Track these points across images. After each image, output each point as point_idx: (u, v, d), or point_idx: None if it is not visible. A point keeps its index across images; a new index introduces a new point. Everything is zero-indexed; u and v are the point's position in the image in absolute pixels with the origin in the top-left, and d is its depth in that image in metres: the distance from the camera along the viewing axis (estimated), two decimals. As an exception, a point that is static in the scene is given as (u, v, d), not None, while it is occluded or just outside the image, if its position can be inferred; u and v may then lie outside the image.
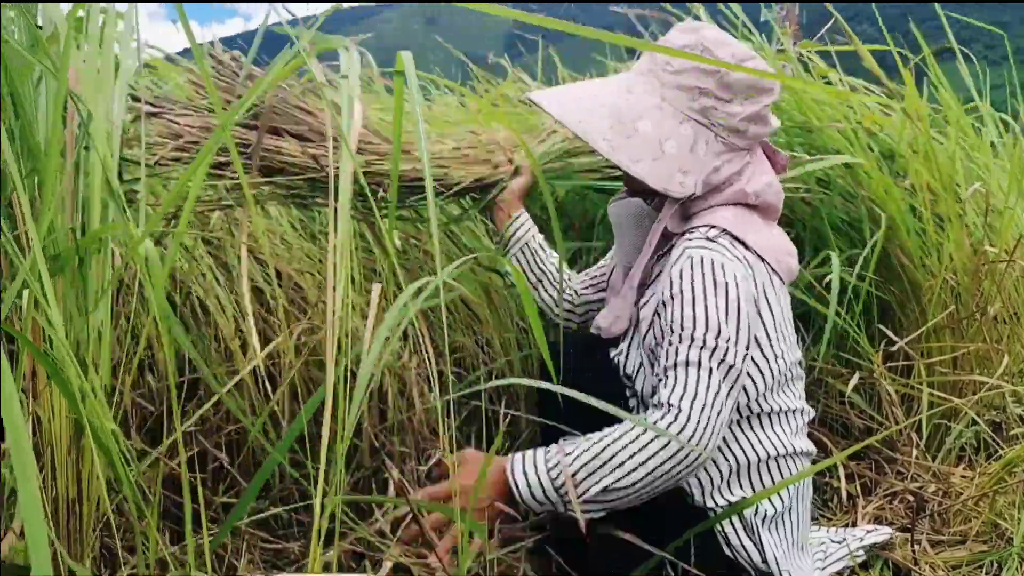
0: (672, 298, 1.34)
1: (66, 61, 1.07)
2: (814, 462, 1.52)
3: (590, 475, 1.27)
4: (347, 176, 1.09)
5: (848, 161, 2.17)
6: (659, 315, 1.38)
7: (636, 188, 1.54)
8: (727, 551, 1.39)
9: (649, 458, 1.25)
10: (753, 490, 1.41)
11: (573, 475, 1.27)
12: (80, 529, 1.16)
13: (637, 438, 1.26)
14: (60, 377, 0.96)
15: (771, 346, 1.41)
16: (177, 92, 2.39)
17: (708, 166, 1.42)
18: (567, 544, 1.47)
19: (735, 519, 1.38)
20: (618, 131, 1.40)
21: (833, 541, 1.58)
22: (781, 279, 1.45)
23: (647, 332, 1.43)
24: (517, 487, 1.31)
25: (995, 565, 1.56)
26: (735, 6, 2.58)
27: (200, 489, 1.05)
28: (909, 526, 1.71)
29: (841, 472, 1.96)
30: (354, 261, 2.16)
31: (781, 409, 1.43)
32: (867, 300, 2.23)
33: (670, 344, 1.32)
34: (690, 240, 1.39)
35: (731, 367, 1.30)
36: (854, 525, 1.80)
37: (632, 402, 1.48)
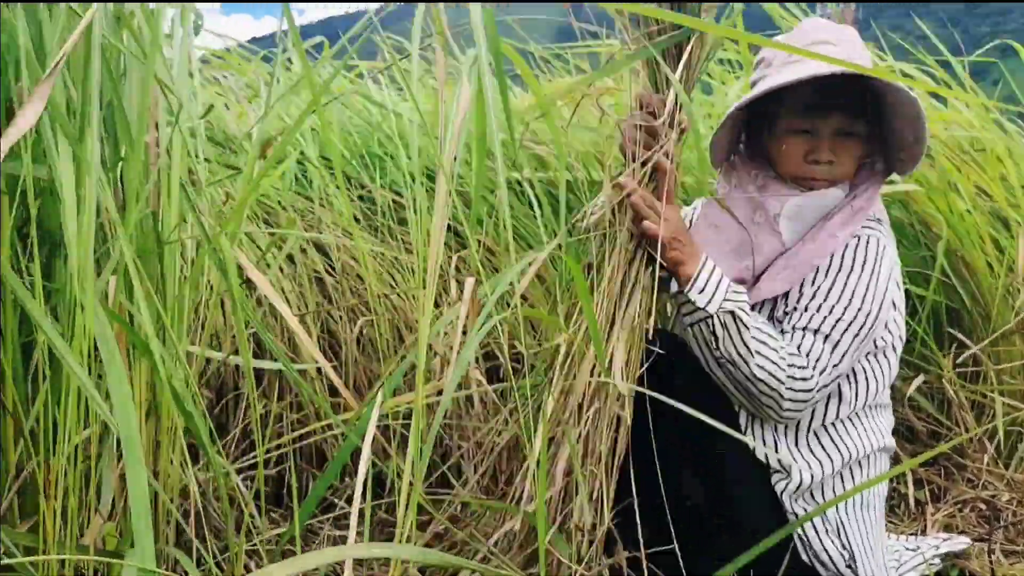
0: (829, 268, 1.42)
1: (155, 49, 1.08)
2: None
3: (742, 329, 1.35)
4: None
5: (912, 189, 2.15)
6: (806, 280, 1.44)
7: (841, 176, 1.49)
8: (804, 556, 1.36)
9: (773, 363, 1.34)
10: (853, 481, 1.43)
11: (735, 316, 1.35)
12: (156, 511, 1.17)
13: (779, 355, 1.35)
14: (145, 345, 0.97)
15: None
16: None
17: None
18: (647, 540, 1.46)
19: (817, 523, 1.37)
20: None
21: (907, 549, 1.55)
22: None
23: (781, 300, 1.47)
24: (699, 272, 1.37)
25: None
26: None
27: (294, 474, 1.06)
28: (984, 536, 1.67)
29: (909, 478, 1.92)
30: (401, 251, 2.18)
31: (887, 402, 1.51)
32: (935, 304, 2.18)
33: (808, 309, 1.40)
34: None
35: (861, 340, 1.39)
36: (924, 533, 1.76)
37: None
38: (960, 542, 1.59)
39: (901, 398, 2.21)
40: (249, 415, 1.84)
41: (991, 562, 1.57)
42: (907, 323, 2.13)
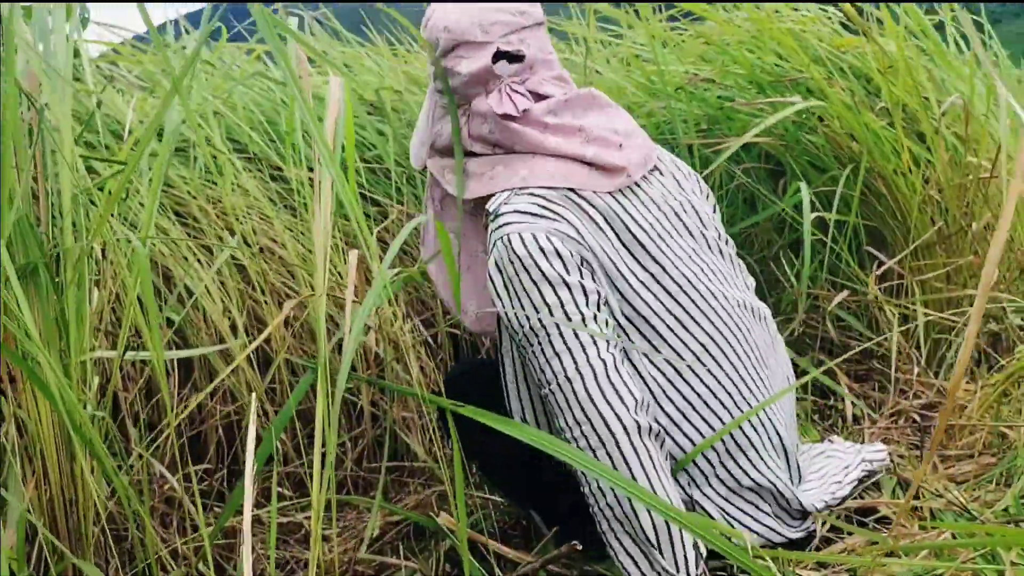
0: (498, 296, 1.28)
1: (10, 54, 1.03)
2: None
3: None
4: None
5: (813, 105, 2.15)
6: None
7: None
8: None
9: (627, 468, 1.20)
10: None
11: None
12: (80, 527, 1.14)
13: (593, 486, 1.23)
14: (37, 377, 0.94)
15: (626, 277, 1.31)
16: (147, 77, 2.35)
17: (430, 131, 1.46)
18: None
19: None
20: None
21: (841, 458, 1.53)
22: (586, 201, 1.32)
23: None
24: None
25: (1004, 476, 1.56)
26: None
27: (194, 477, 1.03)
28: (916, 444, 1.71)
29: (847, 394, 1.96)
30: (336, 231, 2.14)
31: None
32: (854, 224, 2.21)
33: (526, 354, 1.27)
34: (491, 222, 1.31)
35: (582, 324, 1.22)
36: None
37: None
38: (879, 449, 1.56)
39: (836, 320, 2.24)
40: (179, 411, 1.81)
41: (924, 470, 1.60)
42: (826, 244, 2.17)
